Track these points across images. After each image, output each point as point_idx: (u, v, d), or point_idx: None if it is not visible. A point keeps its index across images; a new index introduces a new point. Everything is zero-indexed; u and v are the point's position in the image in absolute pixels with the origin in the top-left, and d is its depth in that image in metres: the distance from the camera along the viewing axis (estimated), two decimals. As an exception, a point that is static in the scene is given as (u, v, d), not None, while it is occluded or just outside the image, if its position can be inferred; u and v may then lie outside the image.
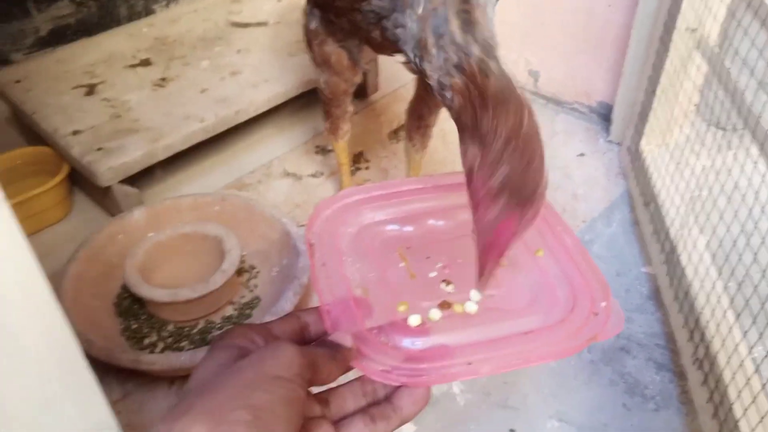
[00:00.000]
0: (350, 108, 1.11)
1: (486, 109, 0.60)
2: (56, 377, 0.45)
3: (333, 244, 0.58)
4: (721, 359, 0.82)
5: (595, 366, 0.98)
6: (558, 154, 1.39)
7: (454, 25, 0.66)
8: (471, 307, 0.55)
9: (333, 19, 0.90)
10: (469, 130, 0.61)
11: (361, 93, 1.53)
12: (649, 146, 1.23)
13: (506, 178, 0.56)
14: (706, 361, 0.85)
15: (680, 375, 0.95)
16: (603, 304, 0.53)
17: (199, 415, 0.37)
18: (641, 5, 1.24)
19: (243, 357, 0.42)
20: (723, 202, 0.89)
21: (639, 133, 1.25)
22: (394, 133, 1.44)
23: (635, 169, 1.25)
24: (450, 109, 0.66)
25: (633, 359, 0.99)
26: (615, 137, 1.40)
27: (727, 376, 0.80)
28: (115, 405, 0.93)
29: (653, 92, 1.19)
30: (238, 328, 0.46)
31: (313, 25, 0.97)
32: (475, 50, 0.64)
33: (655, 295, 1.07)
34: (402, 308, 0.54)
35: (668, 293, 1.01)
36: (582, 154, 1.38)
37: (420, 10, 0.69)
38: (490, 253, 0.56)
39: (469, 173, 0.59)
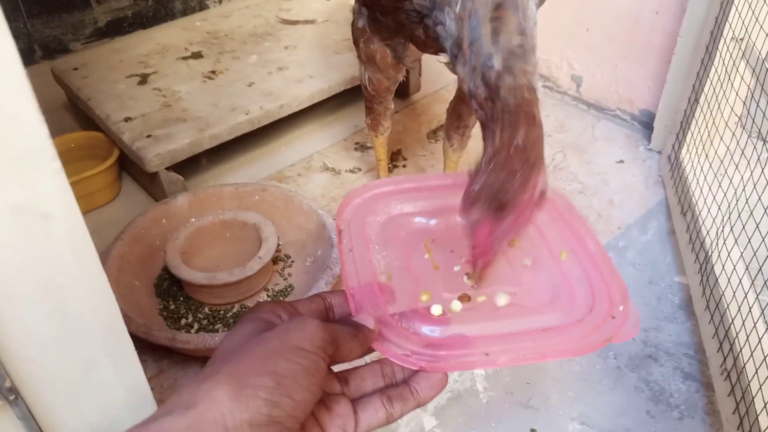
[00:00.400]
0: (391, 105, 1.13)
1: (487, 125, 0.62)
2: (98, 340, 0.48)
3: (361, 232, 0.60)
4: (749, 370, 0.82)
5: (620, 372, 0.98)
6: (597, 160, 1.38)
7: (486, 30, 0.67)
8: (502, 299, 0.57)
9: (379, 18, 0.93)
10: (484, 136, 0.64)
11: (403, 92, 1.55)
12: (689, 156, 1.22)
13: (483, 186, 0.58)
14: (734, 372, 0.85)
15: (707, 385, 0.95)
16: (621, 307, 0.55)
17: (224, 378, 0.39)
18: (689, 13, 1.23)
19: (268, 330, 0.44)
20: (759, 214, 0.88)
21: (680, 142, 1.24)
22: (434, 133, 1.46)
23: (674, 177, 1.25)
24: (476, 115, 0.68)
25: (660, 367, 0.98)
26: (655, 145, 1.39)
27: (754, 387, 0.80)
28: (150, 381, 0.96)
29: (696, 101, 1.18)
30: (265, 304, 0.49)
31: (361, 23, 0.99)
32: (497, 63, 0.65)
33: (687, 304, 1.07)
34: (425, 297, 0.56)
35: (700, 303, 1.01)
36: (621, 161, 1.38)
37: (458, 9, 0.70)
38: (477, 253, 0.58)
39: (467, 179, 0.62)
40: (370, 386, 0.51)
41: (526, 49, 0.67)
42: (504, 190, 0.58)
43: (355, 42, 1.03)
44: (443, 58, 0.92)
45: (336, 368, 0.51)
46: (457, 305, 0.56)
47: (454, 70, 0.83)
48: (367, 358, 0.53)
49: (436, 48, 0.88)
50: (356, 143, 1.42)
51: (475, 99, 0.67)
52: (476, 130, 1.16)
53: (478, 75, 0.67)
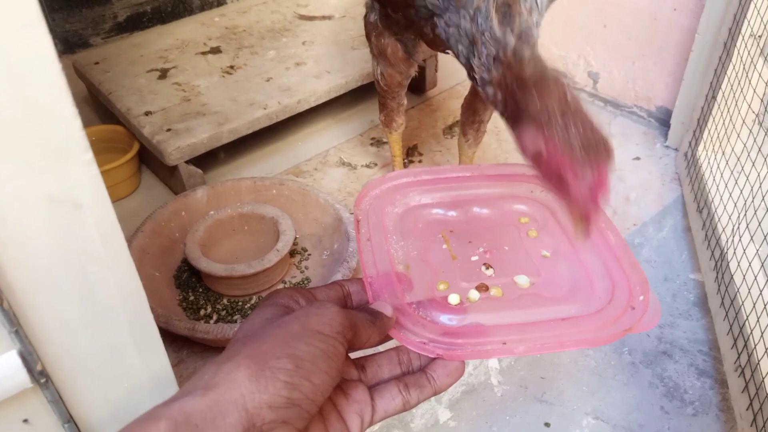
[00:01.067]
0: (405, 101, 1.14)
1: (527, 91, 0.62)
2: (125, 326, 0.50)
3: (379, 222, 0.61)
4: (764, 367, 0.82)
5: (635, 368, 0.98)
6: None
7: (495, 21, 0.68)
8: (523, 280, 0.58)
9: (390, 13, 0.94)
10: (518, 118, 0.63)
11: (419, 88, 1.56)
12: (706, 153, 1.22)
13: (581, 139, 0.58)
14: (748, 369, 0.85)
15: (721, 382, 0.95)
16: (641, 297, 0.55)
17: (244, 359, 0.40)
18: (707, 10, 1.22)
19: (287, 314, 0.45)
20: (776, 211, 0.88)
21: (697, 139, 1.24)
22: (449, 129, 1.46)
23: (690, 175, 1.24)
24: (494, 105, 0.68)
25: (675, 364, 0.99)
26: (672, 142, 1.39)
27: (768, 384, 0.80)
28: (171, 370, 0.98)
29: (714, 99, 1.17)
30: (284, 290, 0.49)
31: (372, 17, 1.00)
32: (511, 41, 0.66)
33: (702, 301, 1.07)
34: (442, 287, 0.57)
35: (715, 300, 1.01)
36: (638, 158, 1.38)
37: (472, 11, 0.71)
38: (590, 208, 0.58)
39: (537, 156, 0.61)
40: (387, 373, 0.52)
41: (532, 34, 0.68)
42: (599, 135, 0.59)
43: (367, 36, 1.04)
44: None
45: (353, 355, 0.52)
46: (474, 294, 0.56)
47: (468, 68, 0.83)
48: (385, 346, 0.54)
49: (445, 46, 0.89)
50: (372, 138, 1.43)
51: (491, 82, 0.68)
52: (491, 126, 1.17)
53: (490, 60, 0.68)
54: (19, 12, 0.37)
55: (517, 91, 0.63)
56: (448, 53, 0.91)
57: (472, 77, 0.78)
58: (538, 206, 0.67)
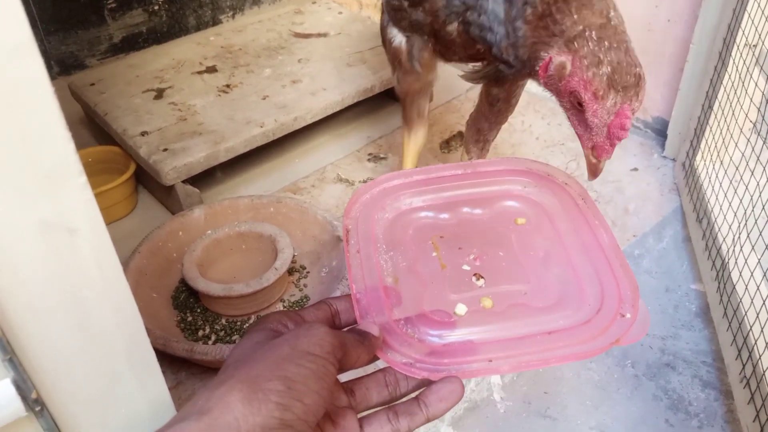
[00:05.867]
0: (424, 112, 1.10)
1: (568, 13, 0.60)
2: (122, 352, 0.49)
3: (368, 231, 0.59)
4: (769, 378, 0.81)
5: (638, 380, 0.98)
6: (611, 168, 1.38)
7: None
8: (512, 289, 0.57)
9: (406, 8, 0.91)
10: (546, 43, 0.61)
11: (416, 103, 1.55)
12: (703, 162, 1.22)
13: (610, 74, 0.56)
14: (753, 380, 0.84)
15: (726, 393, 0.94)
16: (630, 306, 0.54)
17: (237, 383, 0.40)
18: (701, 21, 1.23)
19: (277, 337, 0.45)
20: (776, 220, 0.88)
21: (694, 149, 1.24)
22: (446, 143, 1.46)
23: (689, 185, 1.24)
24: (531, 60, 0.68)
25: (678, 375, 0.98)
26: (670, 153, 1.39)
27: (774, 395, 0.79)
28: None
29: (710, 108, 1.17)
30: (272, 314, 0.49)
31: (386, 20, 1.00)
32: None
33: (704, 312, 1.06)
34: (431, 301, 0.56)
35: (717, 310, 1.00)
36: (635, 169, 1.38)
37: None
38: (603, 148, 0.57)
39: (560, 70, 0.60)
40: (375, 396, 0.52)
41: None
42: (631, 69, 0.57)
43: (383, 42, 1.03)
44: (466, 67, 0.91)
45: (341, 379, 0.51)
46: (461, 308, 0.55)
47: (499, 51, 0.80)
48: (371, 367, 0.53)
49: (458, 51, 0.87)
50: (369, 154, 1.43)
51: (524, 21, 0.69)
52: (493, 146, 1.16)
53: (520, 6, 0.69)
54: (10, 34, 0.36)
55: (555, 10, 0.61)
56: (471, 64, 0.89)
57: (504, 60, 0.76)
58: (532, 203, 0.65)
